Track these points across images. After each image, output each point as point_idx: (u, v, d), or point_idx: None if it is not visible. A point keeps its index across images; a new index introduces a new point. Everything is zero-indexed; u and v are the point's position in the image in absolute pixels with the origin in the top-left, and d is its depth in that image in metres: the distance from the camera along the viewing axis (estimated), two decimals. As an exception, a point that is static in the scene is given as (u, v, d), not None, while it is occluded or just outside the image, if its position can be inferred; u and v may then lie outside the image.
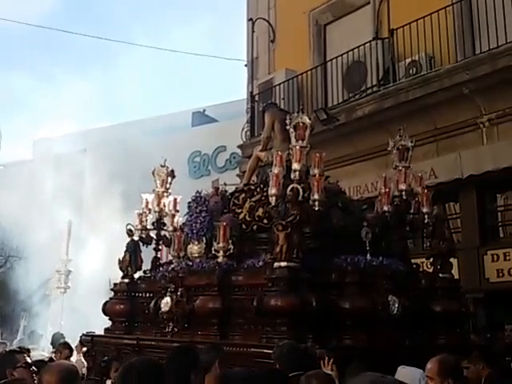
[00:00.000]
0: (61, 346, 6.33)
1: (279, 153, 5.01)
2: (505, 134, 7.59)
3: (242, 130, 11.26)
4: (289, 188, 4.74)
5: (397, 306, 4.66)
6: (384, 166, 7.82)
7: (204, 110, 18.00)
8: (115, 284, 6.33)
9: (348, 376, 3.11)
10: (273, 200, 4.78)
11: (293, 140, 4.97)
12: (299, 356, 3.63)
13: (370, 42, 9.18)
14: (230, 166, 14.97)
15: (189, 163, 16.06)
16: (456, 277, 6.17)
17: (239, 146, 11.41)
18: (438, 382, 2.77)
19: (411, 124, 8.13)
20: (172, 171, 6.67)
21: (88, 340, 6.21)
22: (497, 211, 8.19)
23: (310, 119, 5.02)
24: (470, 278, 7.49)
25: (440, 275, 5.25)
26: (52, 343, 8.41)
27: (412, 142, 5.66)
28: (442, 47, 8.15)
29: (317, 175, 4.86)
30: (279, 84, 10.46)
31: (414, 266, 5.60)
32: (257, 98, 11.10)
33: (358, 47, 9.22)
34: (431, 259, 5.37)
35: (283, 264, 4.49)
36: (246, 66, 12.54)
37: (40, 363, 4.39)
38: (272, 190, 4.78)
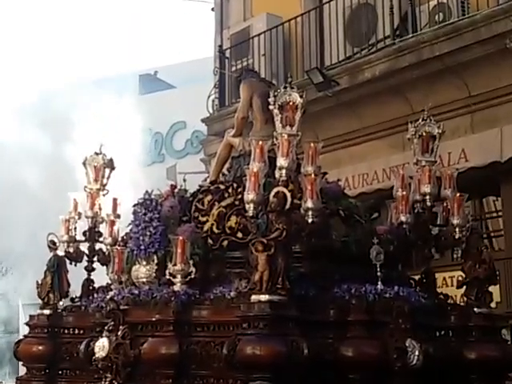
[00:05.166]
0: None
1: (259, 143, 4.88)
2: None
3: (208, 97, 11.18)
4: (272, 192, 4.64)
5: (417, 353, 4.63)
6: (401, 146, 7.87)
7: (156, 72, 17.80)
8: (31, 316, 6.19)
9: None
10: (250, 208, 4.69)
11: (278, 125, 4.86)
12: None
13: (381, -23, 9.15)
14: (192, 148, 14.94)
15: (135, 145, 15.86)
16: (497, 298, 6.19)
17: (204, 120, 11.31)
18: None
19: (437, 90, 8.24)
20: (111, 161, 6.51)
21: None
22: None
23: (302, 96, 4.90)
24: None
25: (475, 310, 5.23)
26: None
27: (440, 127, 5.61)
28: (478, -15, 8.17)
29: (311, 174, 4.77)
30: (258, 35, 10.45)
31: (442, 296, 5.61)
32: (228, 53, 10.99)
33: (366, -15, 9.22)
34: (463, 288, 5.35)
35: (264, 297, 4.41)
36: (213, 10, 12.42)
37: None
38: (249, 195, 4.68)
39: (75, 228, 6.38)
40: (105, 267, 6.18)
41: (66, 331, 5.91)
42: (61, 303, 6.10)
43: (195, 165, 12.04)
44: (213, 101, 11.17)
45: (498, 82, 7.93)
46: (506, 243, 8.18)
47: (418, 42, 8.44)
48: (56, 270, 6.07)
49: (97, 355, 5.12)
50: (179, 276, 5.05)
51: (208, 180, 6.27)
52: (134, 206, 5.73)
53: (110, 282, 5.84)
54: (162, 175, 11.12)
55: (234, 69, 10.77)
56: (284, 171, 4.73)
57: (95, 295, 5.93)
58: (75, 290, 6.33)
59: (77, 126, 14.32)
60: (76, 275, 6.40)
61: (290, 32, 10.31)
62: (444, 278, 7.58)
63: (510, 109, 7.91)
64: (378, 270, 4.96)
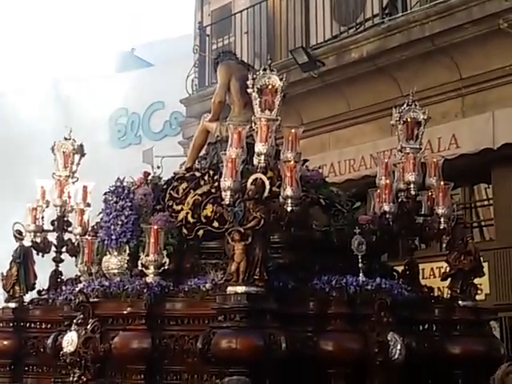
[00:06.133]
0: None
1: (237, 128, 4.94)
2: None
3: (187, 77, 11.19)
4: (250, 180, 4.70)
5: (399, 347, 4.68)
6: (389, 130, 7.87)
7: (133, 50, 17.73)
8: (-4, 310, 6.26)
9: None
10: (227, 196, 4.75)
11: (257, 110, 4.90)
12: None
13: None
14: (170, 130, 14.91)
15: (110, 126, 15.83)
16: (486, 290, 6.24)
17: (183, 101, 11.35)
18: None
19: (427, 72, 8.28)
20: (81, 146, 6.56)
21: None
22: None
23: (282, 79, 4.94)
24: (505, 290, 7.69)
25: (460, 303, 5.28)
26: None
27: (425, 112, 5.67)
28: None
29: (291, 161, 4.82)
30: (241, 11, 10.47)
31: (426, 289, 5.67)
32: (208, 30, 11.00)
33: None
34: (448, 281, 5.42)
35: (240, 289, 4.49)
36: (193, -17, 12.41)
37: None
38: (226, 182, 4.74)
39: (43, 217, 6.41)
40: (74, 258, 6.22)
41: (33, 325, 5.95)
42: (27, 296, 6.14)
43: (173, 147, 12.03)
44: (192, 80, 11.19)
45: (490, 64, 8.01)
46: (497, 233, 8.26)
47: (407, 21, 8.50)
48: (22, 261, 6.10)
49: (65, 350, 5.16)
50: (152, 267, 5.10)
51: (184, 166, 6.31)
52: (105, 193, 5.76)
53: (79, 273, 5.88)
54: (138, 158, 11.09)
55: (214, 47, 10.81)
56: (262, 157, 4.79)
57: (63, 287, 5.97)
58: (42, 282, 6.35)
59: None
60: (43, 266, 6.42)
61: (274, 9, 10.33)
62: (432, 269, 7.66)
63: (503, 92, 8.01)
64: (360, 261, 5.01)
